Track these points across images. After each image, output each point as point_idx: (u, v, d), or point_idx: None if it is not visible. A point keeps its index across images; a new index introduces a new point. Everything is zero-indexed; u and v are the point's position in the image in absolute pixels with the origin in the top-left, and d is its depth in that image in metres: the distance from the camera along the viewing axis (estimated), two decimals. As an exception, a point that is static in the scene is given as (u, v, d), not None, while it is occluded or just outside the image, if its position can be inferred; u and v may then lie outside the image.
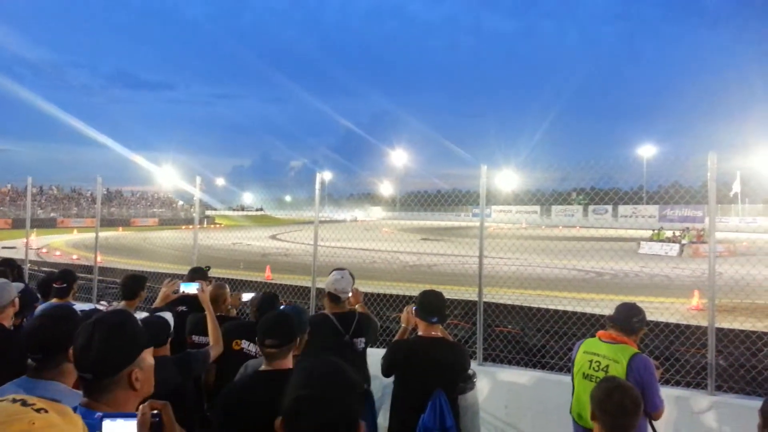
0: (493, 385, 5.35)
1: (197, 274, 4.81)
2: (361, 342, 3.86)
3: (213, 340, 3.55)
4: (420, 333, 3.51)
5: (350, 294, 4.01)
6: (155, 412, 1.22)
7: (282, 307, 3.57)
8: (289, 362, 2.56)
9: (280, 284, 13.43)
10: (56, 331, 2.04)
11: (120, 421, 1.22)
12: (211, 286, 4.37)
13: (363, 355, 3.88)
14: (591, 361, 3.21)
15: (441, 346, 3.45)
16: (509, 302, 8.67)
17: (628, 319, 3.21)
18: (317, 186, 7.54)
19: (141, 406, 1.23)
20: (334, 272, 4.02)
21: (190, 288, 3.95)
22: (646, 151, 64.03)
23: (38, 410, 0.86)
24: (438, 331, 3.53)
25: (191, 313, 4.30)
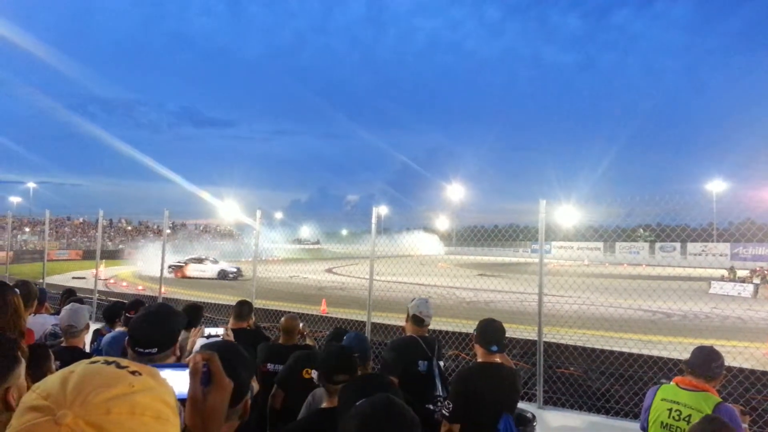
0: (554, 429, 5.12)
1: (245, 307, 4.96)
2: (439, 364, 4.05)
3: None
4: (480, 360, 3.60)
5: (431, 318, 4.19)
6: (205, 362, 1.26)
7: (346, 336, 3.60)
8: None
9: (335, 318, 13.46)
10: (167, 327, 2.30)
11: (168, 371, 1.25)
12: (286, 318, 4.58)
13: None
14: (671, 410, 3.01)
15: (503, 370, 3.54)
16: (571, 342, 8.32)
17: (707, 364, 3.00)
18: (374, 220, 7.59)
19: (192, 356, 1.27)
20: (417, 298, 4.24)
21: (216, 331, 4.04)
22: (716, 186, 61.19)
23: (133, 372, 0.86)
24: (499, 360, 3.59)
25: (264, 341, 4.53)
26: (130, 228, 74.58)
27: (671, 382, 3.09)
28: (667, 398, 3.04)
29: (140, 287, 25.83)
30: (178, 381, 1.26)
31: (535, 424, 4.23)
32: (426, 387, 3.87)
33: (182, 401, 1.25)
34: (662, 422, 3.03)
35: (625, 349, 7.60)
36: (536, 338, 5.70)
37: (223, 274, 32.18)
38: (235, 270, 32.41)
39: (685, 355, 3.21)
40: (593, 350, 7.89)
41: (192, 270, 32.33)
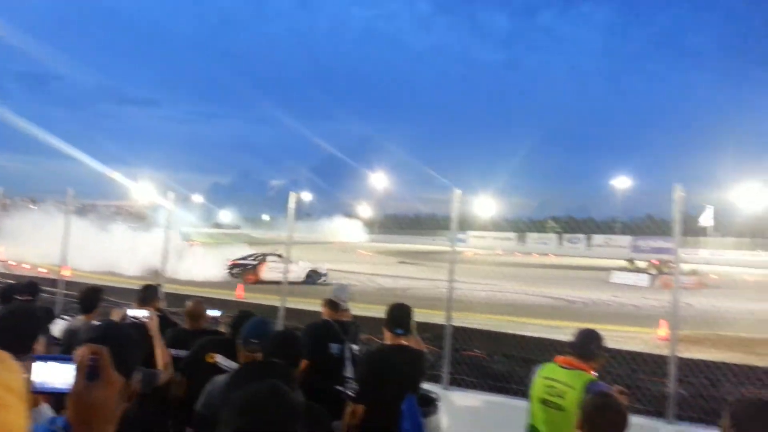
0: (458, 409, 5.35)
1: (149, 291, 4.65)
2: (356, 348, 4.17)
3: (162, 366, 3.55)
4: (387, 343, 3.72)
5: (347, 302, 4.33)
6: (93, 356, 1.22)
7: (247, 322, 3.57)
8: None
9: (252, 303, 13.28)
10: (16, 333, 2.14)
11: (52, 364, 1.22)
12: (191, 303, 4.42)
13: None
14: (548, 387, 3.23)
15: (407, 352, 3.65)
16: (479, 327, 8.68)
17: (586, 345, 3.24)
18: (291, 205, 7.53)
19: (79, 350, 1.22)
20: (336, 283, 4.36)
21: (139, 313, 3.91)
22: (621, 183, 65.19)
23: None
24: (405, 342, 3.70)
25: (171, 327, 4.34)
26: (35, 207, 69.56)
27: (554, 362, 3.32)
28: (547, 376, 3.27)
29: (44, 270, 24.23)
30: (62, 374, 1.21)
31: (438, 403, 4.41)
32: (338, 369, 3.95)
33: (64, 395, 1.21)
34: (540, 398, 3.26)
35: (528, 333, 8.06)
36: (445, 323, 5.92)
37: (313, 277, 24.11)
38: (325, 271, 25.25)
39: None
40: (498, 334, 8.30)
41: (270, 270, 23.79)
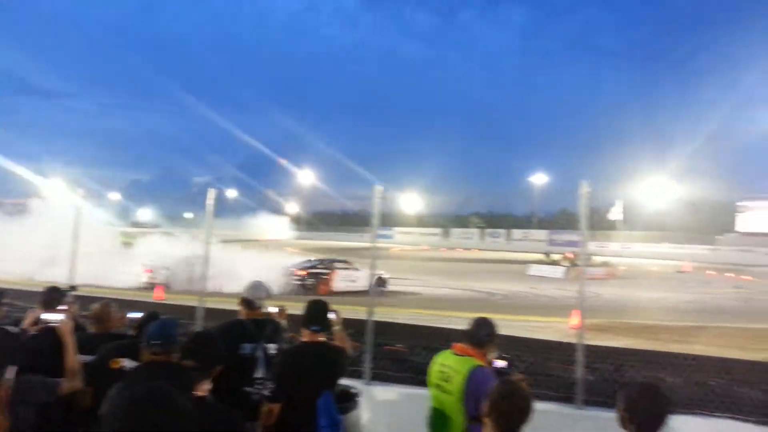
0: (379, 403, 5.41)
1: (56, 294, 4.25)
2: (273, 348, 3.98)
3: (70, 374, 3.35)
4: (304, 340, 3.70)
5: (264, 300, 4.17)
6: None
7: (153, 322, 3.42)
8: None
9: (171, 304, 12.80)
10: None
11: None
12: (97, 305, 4.19)
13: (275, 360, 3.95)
14: (440, 372, 3.38)
15: (324, 349, 3.66)
16: (402, 321, 8.81)
17: (477, 333, 3.39)
18: (209, 201, 7.31)
19: None
20: (252, 281, 4.26)
21: (53, 317, 3.69)
22: (538, 179, 67.94)
23: None
24: (323, 339, 3.71)
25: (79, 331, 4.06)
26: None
27: (450, 349, 3.46)
28: (441, 362, 3.42)
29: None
30: None
31: (358, 399, 4.43)
32: (249, 370, 3.86)
33: None
34: (434, 383, 3.42)
35: (448, 326, 8.26)
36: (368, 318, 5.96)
37: (381, 283, 19.98)
38: (388, 276, 21.76)
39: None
40: (421, 327, 8.46)
41: (342, 280, 21.07)
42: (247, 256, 23.11)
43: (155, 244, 26.50)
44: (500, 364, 3.25)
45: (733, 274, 33.30)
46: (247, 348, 3.88)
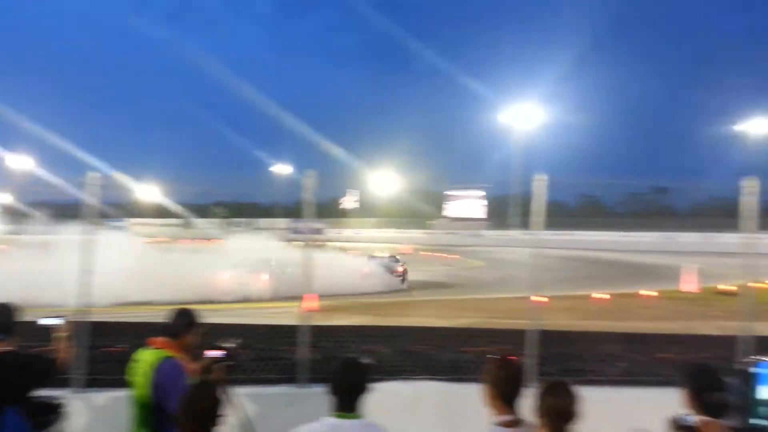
0: (95, 409, 4.96)
1: None
2: None
3: None
4: None
5: None
6: None
7: None
8: None
9: None
10: None
11: None
12: None
13: None
14: (133, 367, 3.32)
15: (10, 359, 3.28)
16: (123, 320, 8.17)
17: (172, 324, 3.37)
18: None
19: None
20: None
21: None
22: (282, 169, 69.10)
23: None
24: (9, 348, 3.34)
25: None
26: None
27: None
28: (137, 358, 3.35)
29: None
30: None
31: (63, 410, 3.99)
32: None
33: None
34: (130, 379, 3.33)
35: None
36: (83, 319, 5.38)
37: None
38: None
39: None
40: (142, 324, 7.95)
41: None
42: None
43: None
44: (214, 353, 3.25)
45: (444, 254, 38.67)
46: None
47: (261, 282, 18.21)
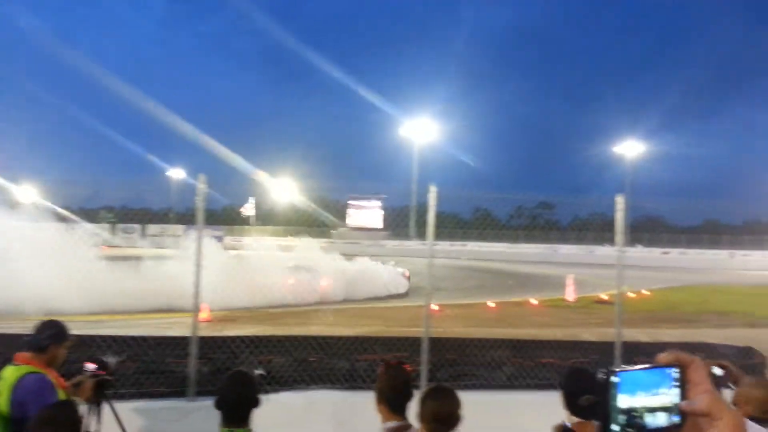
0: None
1: None
2: None
3: None
4: None
5: None
6: None
7: None
8: None
9: None
10: None
11: None
12: None
13: None
14: None
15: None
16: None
17: (36, 338, 3.13)
18: None
19: None
20: None
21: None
22: (176, 173, 66.24)
23: None
24: None
25: None
26: None
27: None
28: (1, 375, 3.07)
29: None
30: None
31: None
32: None
33: None
34: None
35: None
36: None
37: None
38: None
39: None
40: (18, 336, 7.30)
41: None
42: None
43: None
44: (89, 368, 3.02)
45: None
46: None
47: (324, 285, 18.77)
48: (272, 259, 21.41)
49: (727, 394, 3.08)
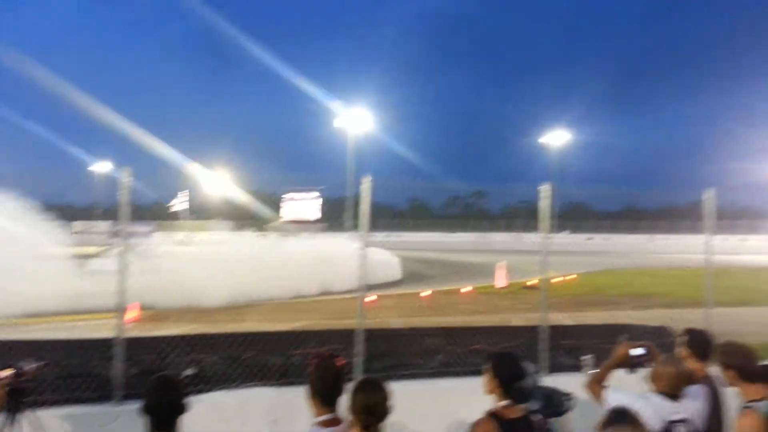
0: None
1: None
2: None
3: None
4: None
5: None
6: None
7: None
8: None
9: None
10: None
11: None
12: None
13: None
14: None
15: None
16: None
17: None
18: None
19: None
20: None
21: None
22: (102, 167, 63.19)
23: None
24: None
25: None
26: None
27: None
28: None
29: None
30: None
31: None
32: None
33: None
34: None
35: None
36: None
37: None
38: None
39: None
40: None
41: None
42: None
43: None
44: (2, 375, 2.87)
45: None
46: None
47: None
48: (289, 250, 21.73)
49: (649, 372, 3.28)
